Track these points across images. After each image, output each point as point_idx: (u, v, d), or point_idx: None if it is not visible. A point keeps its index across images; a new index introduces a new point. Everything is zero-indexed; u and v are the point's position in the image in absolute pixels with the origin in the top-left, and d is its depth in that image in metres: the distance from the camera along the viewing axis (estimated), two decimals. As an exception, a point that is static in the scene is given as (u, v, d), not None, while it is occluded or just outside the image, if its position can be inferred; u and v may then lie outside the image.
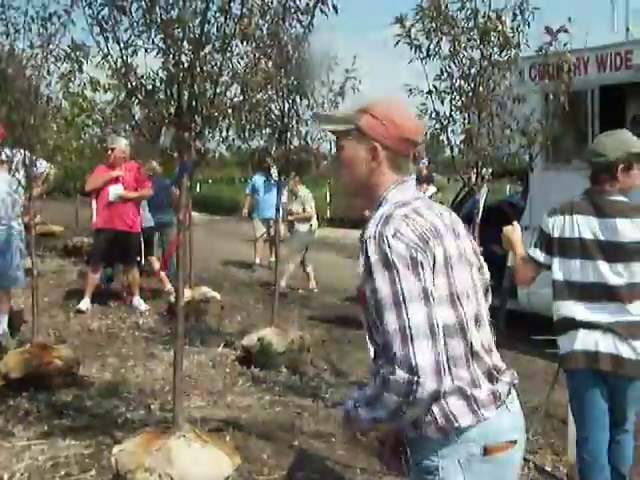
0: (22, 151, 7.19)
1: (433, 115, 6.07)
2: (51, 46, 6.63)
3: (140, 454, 4.70)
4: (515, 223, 4.83)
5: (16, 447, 5.83)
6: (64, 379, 7.23)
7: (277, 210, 8.76)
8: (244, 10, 4.54)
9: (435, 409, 2.49)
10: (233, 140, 7.77)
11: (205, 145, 9.40)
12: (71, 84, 7.15)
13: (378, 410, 2.48)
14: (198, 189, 30.91)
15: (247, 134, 7.80)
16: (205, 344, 9.11)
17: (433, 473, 2.57)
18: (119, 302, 11.61)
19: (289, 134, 7.83)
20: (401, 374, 2.35)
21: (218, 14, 4.57)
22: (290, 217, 13.20)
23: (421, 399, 2.37)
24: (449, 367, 2.45)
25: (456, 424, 2.50)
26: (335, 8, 4.86)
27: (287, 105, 7.64)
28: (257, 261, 15.79)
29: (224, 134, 7.37)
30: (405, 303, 2.38)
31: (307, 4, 4.84)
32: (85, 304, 10.98)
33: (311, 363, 8.19)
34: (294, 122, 7.79)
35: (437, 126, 6.09)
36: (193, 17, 4.50)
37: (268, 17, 4.87)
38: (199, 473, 4.58)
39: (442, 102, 6.07)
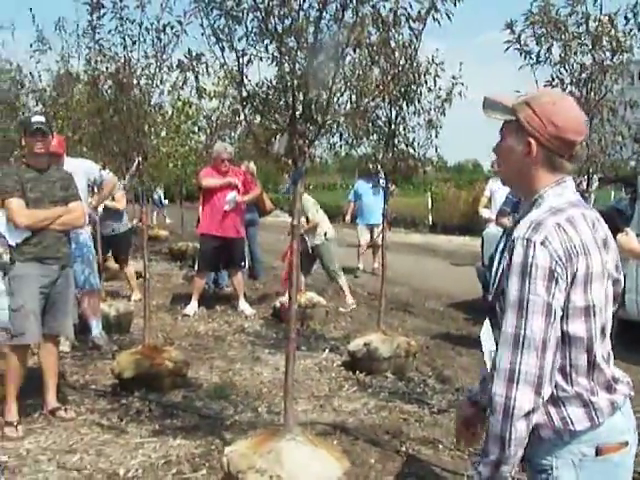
0: None
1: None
2: (164, 56, 6.81)
3: (251, 455, 4.78)
4: (628, 229, 4.76)
5: (130, 444, 6.01)
6: (174, 380, 7.41)
7: (383, 216, 8.79)
8: (357, 18, 4.59)
9: (552, 412, 2.54)
10: (341, 147, 7.87)
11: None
12: (182, 92, 7.31)
13: (490, 450, 2.51)
14: (300, 195, 31.09)
15: (355, 141, 7.87)
16: (311, 349, 9.20)
17: (547, 472, 2.60)
18: (225, 306, 11.82)
19: (396, 140, 7.86)
20: (501, 384, 2.45)
21: (331, 23, 4.63)
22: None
23: (519, 415, 2.43)
24: (570, 375, 2.54)
25: (571, 428, 2.54)
26: (448, 15, 4.87)
27: (394, 112, 7.67)
28: (360, 267, 15.84)
29: (333, 140, 7.52)
30: (527, 313, 2.43)
31: (419, 12, 4.86)
32: (192, 309, 11.23)
33: (416, 369, 8.18)
34: (401, 128, 7.81)
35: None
36: (307, 26, 4.56)
37: (379, 25, 4.88)
38: (308, 476, 4.61)
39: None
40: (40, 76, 11.50)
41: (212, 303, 11.98)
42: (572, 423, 2.53)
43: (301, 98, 4.68)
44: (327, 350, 9.04)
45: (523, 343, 2.42)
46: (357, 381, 7.77)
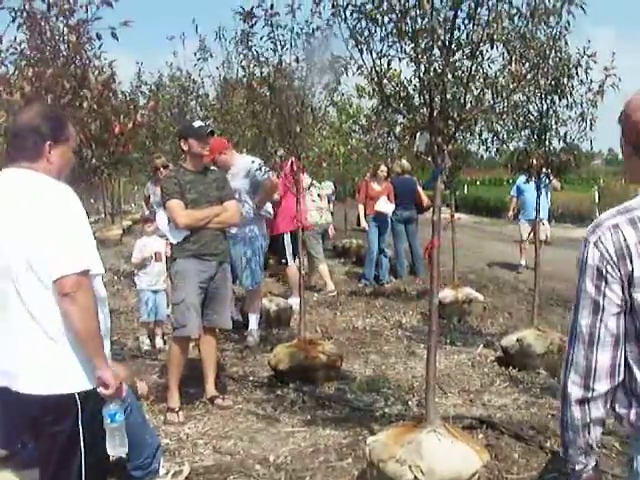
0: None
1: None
2: (314, 59, 7.02)
3: (392, 445, 4.89)
4: None
5: (281, 433, 6.28)
6: (328, 373, 7.61)
7: (537, 210, 8.70)
8: (492, 15, 4.61)
9: (633, 404, 2.50)
10: (492, 142, 7.86)
11: (466, 148, 9.56)
12: (334, 94, 7.51)
13: (566, 436, 2.61)
14: (465, 191, 30.89)
15: (505, 136, 7.85)
16: (467, 344, 9.25)
17: (631, 463, 2.58)
18: (384, 302, 12.00)
19: (548, 134, 7.78)
20: (561, 371, 2.62)
21: (466, 21, 4.67)
22: None
23: (571, 401, 2.53)
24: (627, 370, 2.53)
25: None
26: (582, 8, 4.81)
27: (545, 106, 7.60)
28: (522, 263, 15.63)
29: (482, 137, 7.53)
30: (579, 308, 2.54)
31: (554, 5, 4.81)
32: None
33: (570, 366, 8.03)
34: (553, 122, 7.73)
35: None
36: (442, 26, 4.62)
37: (516, 20, 4.87)
38: (447, 467, 4.69)
39: None
40: (203, 82, 12.08)
41: (372, 299, 12.19)
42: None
43: (439, 96, 4.75)
44: (482, 345, 9.05)
45: (574, 335, 2.54)
46: (509, 377, 7.76)
